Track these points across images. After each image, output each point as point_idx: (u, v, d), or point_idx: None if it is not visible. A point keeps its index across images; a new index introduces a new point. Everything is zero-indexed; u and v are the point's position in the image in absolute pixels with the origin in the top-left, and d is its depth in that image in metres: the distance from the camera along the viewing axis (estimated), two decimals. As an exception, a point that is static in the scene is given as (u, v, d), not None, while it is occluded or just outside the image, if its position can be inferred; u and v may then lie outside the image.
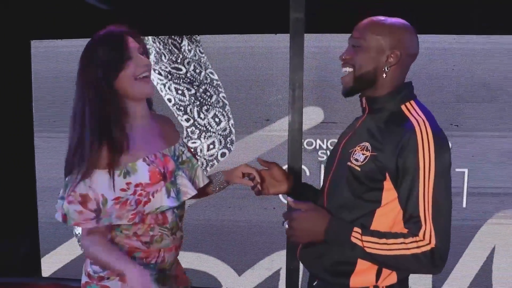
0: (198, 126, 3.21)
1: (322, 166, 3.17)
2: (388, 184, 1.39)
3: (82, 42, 3.23)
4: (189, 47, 3.18)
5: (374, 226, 1.42)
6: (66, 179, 1.49)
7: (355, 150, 1.45)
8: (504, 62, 3.01)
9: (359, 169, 1.41)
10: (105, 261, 1.44)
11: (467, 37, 3.01)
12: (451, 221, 1.37)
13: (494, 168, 3.08)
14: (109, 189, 1.45)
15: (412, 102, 1.46)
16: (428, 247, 1.31)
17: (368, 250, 1.35)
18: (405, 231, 1.37)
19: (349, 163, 1.45)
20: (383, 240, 1.35)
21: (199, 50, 3.18)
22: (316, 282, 1.56)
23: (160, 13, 3.23)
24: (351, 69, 1.46)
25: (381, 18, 1.48)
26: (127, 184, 1.47)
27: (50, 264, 3.49)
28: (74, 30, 3.31)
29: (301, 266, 2.40)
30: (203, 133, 3.21)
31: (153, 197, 1.50)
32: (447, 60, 3.02)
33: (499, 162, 3.08)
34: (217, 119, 3.21)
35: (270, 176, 1.76)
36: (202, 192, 1.79)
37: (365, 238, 1.36)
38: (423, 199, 1.33)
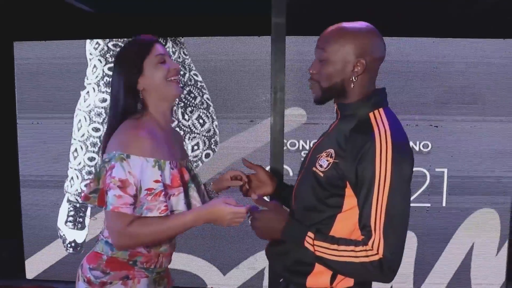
0: (182, 127, 3.23)
1: (305, 167, 3.20)
2: (349, 191, 1.40)
3: (65, 44, 3.26)
4: (173, 49, 3.20)
5: (334, 230, 1.43)
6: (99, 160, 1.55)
7: (321, 156, 1.46)
8: (483, 65, 3.09)
9: (322, 174, 1.43)
10: (168, 225, 1.49)
11: (447, 40, 3.07)
12: (406, 233, 1.36)
13: (473, 168, 3.16)
14: (145, 177, 1.50)
15: (381, 110, 1.45)
16: (376, 257, 1.32)
17: (318, 254, 1.37)
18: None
19: (314, 168, 1.46)
20: (334, 246, 1.36)
21: (183, 52, 3.20)
22: (281, 280, 1.60)
23: (144, 15, 3.24)
24: (315, 82, 1.49)
25: (344, 25, 1.46)
26: (160, 176, 1.52)
27: (34, 266, 3.48)
28: (57, 31, 3.32)
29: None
30: (187, 134, 3.23)
31: (169, 199, 1.55)
32: (428, 62, 3.08)
33: (478, 163, 3.15)
34: (201, 121, 3.24)
35: (255, 179, 1.82)
36: None
37: (316, 242, 1.38)
38: (375, 209, 1.33)
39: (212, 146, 3.25)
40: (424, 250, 3.20)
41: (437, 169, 3.15)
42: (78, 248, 3.40)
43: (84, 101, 3.28)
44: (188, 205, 1.60)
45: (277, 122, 2.28)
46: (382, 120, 1.41)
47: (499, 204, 3.16)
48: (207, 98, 3.23)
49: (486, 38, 3.08)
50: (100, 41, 3.20)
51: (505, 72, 3.09)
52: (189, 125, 3.24)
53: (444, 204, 3.16)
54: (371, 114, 1.43)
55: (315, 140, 3.06)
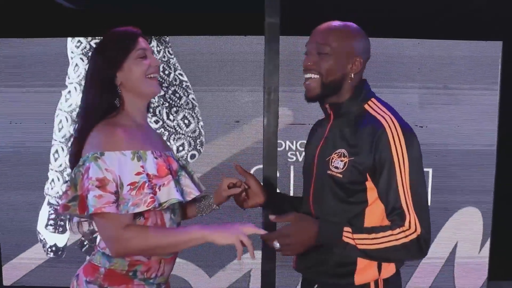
0: (167, 127, 3.18)
1: (292, 168, 3.20)
2: (369, 184, 1.45)
3: (45, 41, 3.16)
4: (158, 48, 3.14)
5: (367, 224, 1.47)
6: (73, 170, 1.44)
7: (333, 158, 1.48)
8: (465, 66, 3.14)
9: (341, 175, 1.45)
10: (169, 241, 1.40)
11: (431, 41, 3.12)
12: (428, 207, 1.45)
13: (457, 168, 3.21)
14: (125, 171, 1.41)
15: (374, 100, 1.52)
16: (414, 235, 1.37)
17: (360, 247, 1.39)
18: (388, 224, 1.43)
19: (329, 172, 1.48)
20: (373, 235, 1.39)
21: (168, 51, 3.15)
22: (316, 286, 1.58)
23: (128, 13, 3.17)
24: (316, 76, 1.49)
25: (340, 23, 1.51)
26: (141, 167, 1.43)
27: (12, 272, 3.35)
28: (37, 28, 3.22)
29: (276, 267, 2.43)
30: (172, 135, 3.18)
31: (159, 190, 1.46)
32: (412, 63, 3.12)
33: (461, 162, 3.21)
34: (186, 121, 3.19)
35: (246, 189, 1.75)
36: (185, 214, 1.77)
37: (356, 236, 1.40)
38: (402, 190, 1.38)
39: (197, 147, 3.21)
40: (409, 249, 3.24)
41: (422, 169, 3.20)
42: (59, 252, 3.30)
43: (66, 101, 3.18)
44: (182, 193, 1.52)
45: (271, 123, 2.27)
46: (380, 108, 1.48)
47: (482, 203, 3.23)
48: (193, 98, 3.18)
49: (469, 40, 3.14)
50: (82, 39, 3.11)
51: (487, 73, 3.16)
52: (174, 126, 3.18)
53: (428, 203, 3.20)
54: (366, 106, 1.50)
55: (303, 141, 3.12)
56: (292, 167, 3.20)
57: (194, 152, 3.21)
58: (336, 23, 1.50)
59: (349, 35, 1.48)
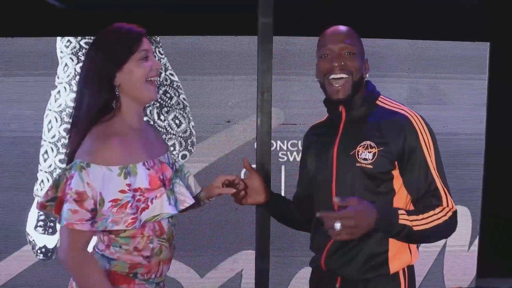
0: (158, 128, 3.16)
1: (283, 167, 3.21)
2: (396, 172, 1.52)
3: (34, 41, 3.12)
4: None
5: None
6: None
7: (358, 151, 1.54)
8: (454, 66, 3.19)
9: (371, 166, 1.51)
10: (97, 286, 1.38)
11: (421, 42, 3.15)
12: None
13: (445, 167, 3.24)
14: (108, 188, 1.36)
15: (382, 96, 1.63)
16: (450, 212, 1.49)
17: (415, 228, 1.44)
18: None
19: (358, 164, 1.53)
20: (421, 216, 1.46)
21: (159, 51, 3.14)
22: (339, 284, 1.58)
23: (118, 13, 3.15)
24: (347, 76, 1.55)
25: (350, 28, 1.62)
26: (127, 185, 1.39)
27: (0, 274, 3.30)
28: (26, 28, 3.18)
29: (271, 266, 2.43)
30: (163, 135, 3.17)
31: (152, 203, 1.43)
32: (402, 63, 3.15)
33: (449, 161, 3.24)
34: (177, 121, 3.18)
35: (249, 185, 1.74)
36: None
37: (411, 217, 1.45)
38: (435, 173, 1.50)
39: (188, 147, 3.20)
40: (399, 248, 3.27)
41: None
42: (49, 254, 3.26)
43: (55, 101, 3.15)
44: (175, 201, 1.49)
45: (264, 123, 2.27)
46: (394, 103, 1.61)
47: (470, 202, 3.27)
48: (184, 99, 3.17)
49: (457, 41, 3.18)
50: (71, 38, 3.08)
51: (475, 73, 3.21)
52: (165, 126, 3.17)
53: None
54: (378, 102, 1.61)
55: (294, 141, 3.13)
56: (283, 167, 3.21)
57: (185, 152, 3.21)
58: (346, 27, 1.60)
59: (359, 39, 1.60)
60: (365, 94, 1.60)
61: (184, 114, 3.19)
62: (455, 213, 1.50)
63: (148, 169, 1.44)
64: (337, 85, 1.55)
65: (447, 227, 1.50)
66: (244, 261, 3.21)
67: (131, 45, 1.44)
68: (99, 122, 1.44)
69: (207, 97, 3.17)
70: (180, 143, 3.20)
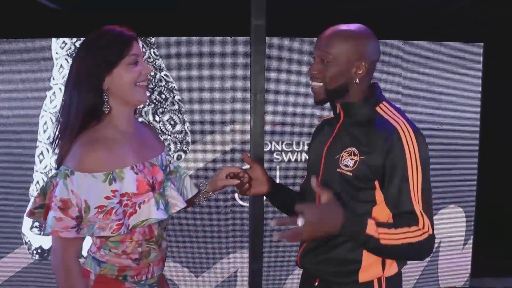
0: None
1: (278, 168, 3.22)
2: (378, 184, 1.47)
3: (28, 42, 3.12)
4: (144, 49, 3.13)
5: None
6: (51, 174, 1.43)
7: (342, 156, 1.50)
8: (448, 67, 3.20)
9: (350, 174, 1.47)
10: None
11: (414, 43, 3.17)
12: None
13: (439, 167, 3.26)
14: (93, 195, 1.36)
15: (385, 103, 1.55)
16: (427, 235, 1.41)
17: (382, 241, 1.39)
18: None
19: (339, 170, 1.50)
20: (393, 230, 1.40)
21: (154, 52, 3.15)
22: (317, 283, 1.59)
23: (113, 14, 3.16)
24: (320, 84, 1.51)
25: (344, 27, 1.51)
26: (113, 191, 1.38)
27: (-4, 275, 3.33)
28: (20, 29, 3.18)
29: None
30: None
31: (140, 208, 1.42)
32: (396, 64, 3.16)
33: (444, 161, 3.26)
34: (172, 122, 3.19)
35: (252, 176, 1.75)
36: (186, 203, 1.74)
37: (380, 230, 1.40)
38: (414, 194, 1.41)
39: (183, 147, 3.21)
40: (393, 248, 3.28)
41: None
42: (45, 255, 3.27)
43: (50, 102, 3.16)
44: (166, 204, 1.48)
45: (257, 124, 2.28)
46: (392, 112, 1.52)
47: (464, 202, 3.28)
48: (178, 99, 3.18)
49: (451, 41, 3.20)
50: (67, 40, 3.09)
51: (468, 73, 3.22)
52: (160, 127, 3.18)
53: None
54: (378, 109, 1.53)
55: (288, 141, 3.14)
56: (278, 167, 3.22)
57: (180, 153, 3.21)
58: (340, 27, 1.51)
59: (351, 40, 1.48)
60: (364, 98, 1.53)
61: (179, 115, 3.19)
62: (431, 237, 1.42)
63: (137, 173, 1.44)
64: (313, 89, 1.54)
65: (421, 249, 1.42)
66: (239, 262, 3.22)
67: (121, 49, 1.42)
68: (87, 128, 1.43)
69: (201, 98, 3.17)
70: (175, 144, 3.20)
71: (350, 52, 1.47)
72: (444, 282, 3.33)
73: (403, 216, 1.43)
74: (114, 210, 1.39)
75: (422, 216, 1.41)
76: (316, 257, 1.56)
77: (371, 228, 1.38)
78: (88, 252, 1.54)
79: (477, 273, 3.40)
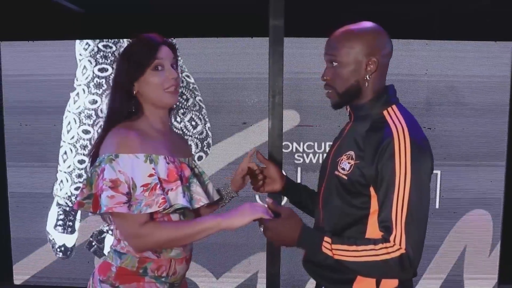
0: (175, 129, 3.19)
1: (299, 169, 3.19)
2: (373, 191, 1.41)
3: (54, 44, 3.19)
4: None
5: (369, 232, 1.44)
6: (90, 168, 1.51)
7: (342, 159, 1.48)
8: (474, 67, 3.11)
9: (345, 178, 1.44)
10: (185, 233, 1.46)
11: (439, 42, 3.08)
12: (425, 229, 1.37)
13: (466, 170, 3.17)
14: (137, 173, 1.45)
15: (394, 107, 1.48)
16: (397, 253, 1.32)
17: (337, 257, 1.37)
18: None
19: (336, 172, 1.48)
20: (353, 247, 1.36)
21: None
22: None
23: (135, 15, 3.19)
24: (331, 90, 1.50)
25: (351, 27, 1.49)
26: (153, 169, 1.48)
27: (22, 272, 3.40)
28: (45, 32, 3.24)
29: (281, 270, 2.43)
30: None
31: (167, 194, 1.49)
32: (420, 64, 3.09)
33: (470, 164, 3.17)
34: (193, 123, 3.20)
35: (266, 174, 1.78)
36: (207, 210, 1.80)
37: (334, 246, 1.37)
38: (396, 205, 1.34)
39: (204, 148, 3.22)
40: (417, 252, 3.21)
41: (430, 171, 3.16)
42: (68, 253, 3.33)
43: (74, 103, 3.21)
44: (190, 199, 1.55)
45: (275, 126, 2.26)
46: (397, 117, 1.44)
47: (492, 205, 3.19)
48: (200, 100, 3.19)
49: (478, 41, 3.10)
50: (90, 41, 3.14)
51: (496, 74, 3.12)
52: (181, 127, 3.19)
53: (437, 206, 3.18)
54: (385, 112, 1.47)
55: (310, 142, 3.11)
56: (299, 168, 3.19)
57: (201, 153, 3.22)
58: (346, 27, 1.49)
59: (356, 37, 1.45)
60: (373, 99, 1.49)
61: (200, 116, 3.20)
62: (403, 256, 1.32)
63: (168, 163, 1.52)
64: (327, 94, 1.53)
65: (388, 268, 1.34)
66: (259, 264, 3.20)
67: (146, 55, 1.51)
68: (122, 122, 1.53)
69: (223, 99, 3.17)
70: (196, 145, 3.21)
71: (357, 50, 1.44)
72: (470, 288, 3.25)
73: (381, 226, 1.38)
74: (157, 186, 1.46)
75: (397, 228, 1.33)
76: (315, 262, 1.54)
77: (326, 246, 1.38)
78: (110, 246, 1.60)
79: (505, 279, 3.29)
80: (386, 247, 1.33)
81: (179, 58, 3.14)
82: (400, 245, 1.32)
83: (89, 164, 1.57)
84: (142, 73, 1.51)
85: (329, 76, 1.49)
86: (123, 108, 1.54)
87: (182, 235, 1.46)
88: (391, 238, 1.33)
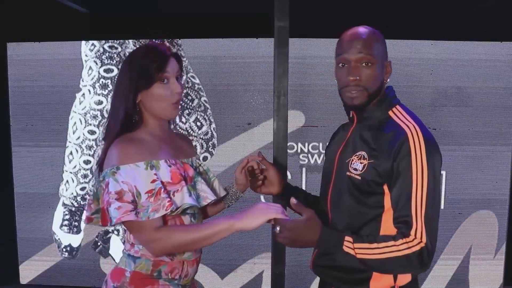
0: (180, 130, 3.20)
1: (304, 170, 3.19)
2: (387, 189, 1.44)
3: (60, 45, 3.20)
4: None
5: (383, 230, 1.45)
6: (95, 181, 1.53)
7: (352, 160, 1.49)
8: (479, 67, 3.10)
9: (359, 177, 1.46)
10: (199, 236, 1.44)
11: (443, 43, 3.08)
12: (438, 221, 1.43)
13: (471, 170, 3.17)
14: (140, 181, 1.46)
15: (398, 107, 1.53)
16: (418, 247, 1.36)
17: (360, 256, 1.38)
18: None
19: (348, 173, 1.49)
20: (374, 245, 1.38)
21: (180, 54, 3.17)
22: None
23: (140, 17, 3.20)
24: (362, 90, 1.48)
25: (368, 29, 1.50)
26: (155, 174, 1.48)
27: (28, 271, 3.42)
28: (51, 32, 3.26)
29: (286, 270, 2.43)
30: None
31: (173, 196, 1.50)
32: (425, 65, 3.09)
33: (475, 164, 3.16)
34: (198, 123, 3.21)
35: (266, 176, 1.80)
36: (214, 209, 1.82)
37: (356, 245, 1.39)
38: (415, 200, 1.38)
39: (209, 149, 3.23)
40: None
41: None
42: (74, 253, 3.35)
43: (80, 104, 3.23)
44: (197, 197, 1.55)
45: (280, 127, 2.26)
46: (405, 117, 1.49)
47: (497, 206, 3.18)
48: (205, 101, 3.20)
49: (483, 41, 3.09)
50: (96, 42, 3.15)
51: (502, 74, 3.11)
52: (186, 128, 3.20)
53: (442, 207, 3.17)
54: (390, 113, 1.51)
55: (315, 143, 3.11)
56: (304, 169, 3.19)
57: (206, 154, 3.23)
58: (364, 29, 1.50)
59: (380, 41, 1.50)
60: (378, 101, 1.51)
61: (205, 116, 3.21)
62: (423, 249, 1.36)
63: (170, 166, 1.53)
64: (353, 95, 1.50)
65: (409, 262, 1.37)
66: (264, 264, 3.21)
67: (155, 70, 1.50)
68: (124, 133, 1.53)
69: (228, 100, 3.18)
70: (201, 145, 3.22)
71: (382, 52, 1.50)
72: (475, 289, 3.24)
73: (399, 221, 1.40)
74: (162, 190, 1.48)
75: (417, 222, 1.37)
76: (327, 263, 1.55)
77: (347, 245, 1.38)
78: (122, 252, 1.61)
79: (510, 281, 3.28)
80: (406, 242, 1.36)
81: (184, 59, 3.16)
82: (421, 239, 1.36)
83: (95, 177, 1.57)
84: (150, 85, 1.51)
85: (361, 76, 1.47)
86: (125, 114, 1.53)
87: (197, 237, 1.45)
88: (412, 232, 1.37)
